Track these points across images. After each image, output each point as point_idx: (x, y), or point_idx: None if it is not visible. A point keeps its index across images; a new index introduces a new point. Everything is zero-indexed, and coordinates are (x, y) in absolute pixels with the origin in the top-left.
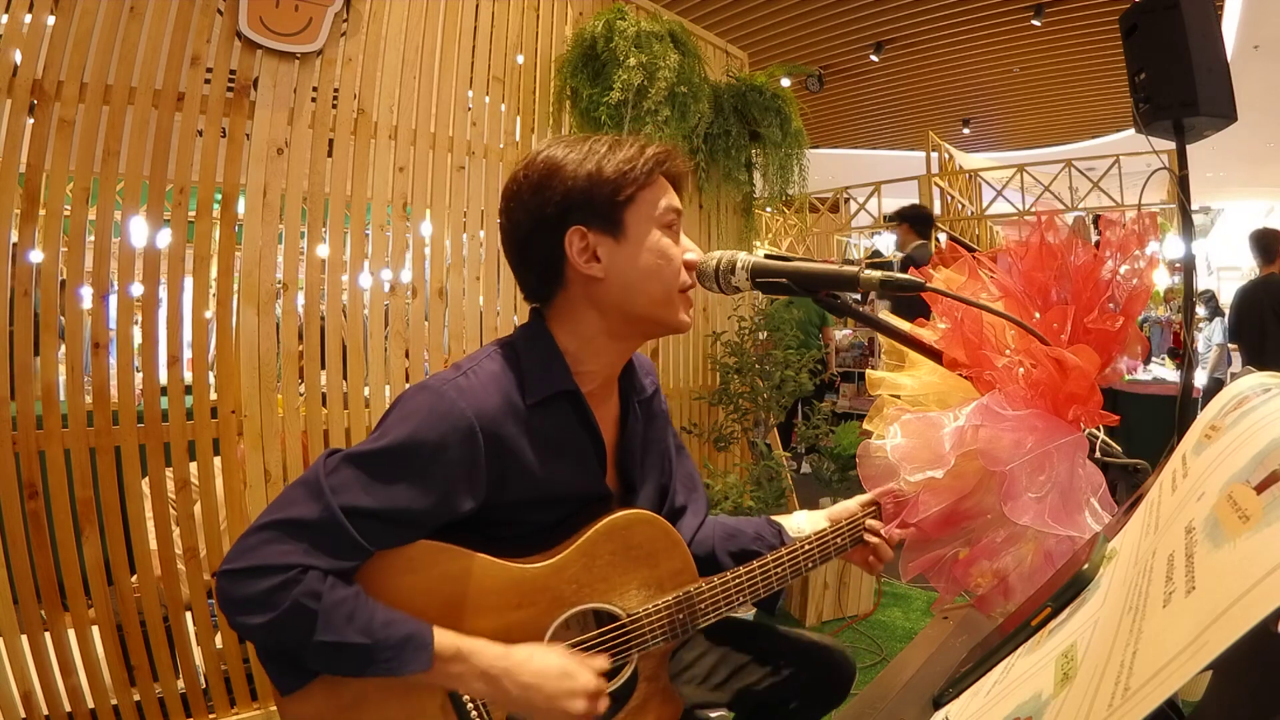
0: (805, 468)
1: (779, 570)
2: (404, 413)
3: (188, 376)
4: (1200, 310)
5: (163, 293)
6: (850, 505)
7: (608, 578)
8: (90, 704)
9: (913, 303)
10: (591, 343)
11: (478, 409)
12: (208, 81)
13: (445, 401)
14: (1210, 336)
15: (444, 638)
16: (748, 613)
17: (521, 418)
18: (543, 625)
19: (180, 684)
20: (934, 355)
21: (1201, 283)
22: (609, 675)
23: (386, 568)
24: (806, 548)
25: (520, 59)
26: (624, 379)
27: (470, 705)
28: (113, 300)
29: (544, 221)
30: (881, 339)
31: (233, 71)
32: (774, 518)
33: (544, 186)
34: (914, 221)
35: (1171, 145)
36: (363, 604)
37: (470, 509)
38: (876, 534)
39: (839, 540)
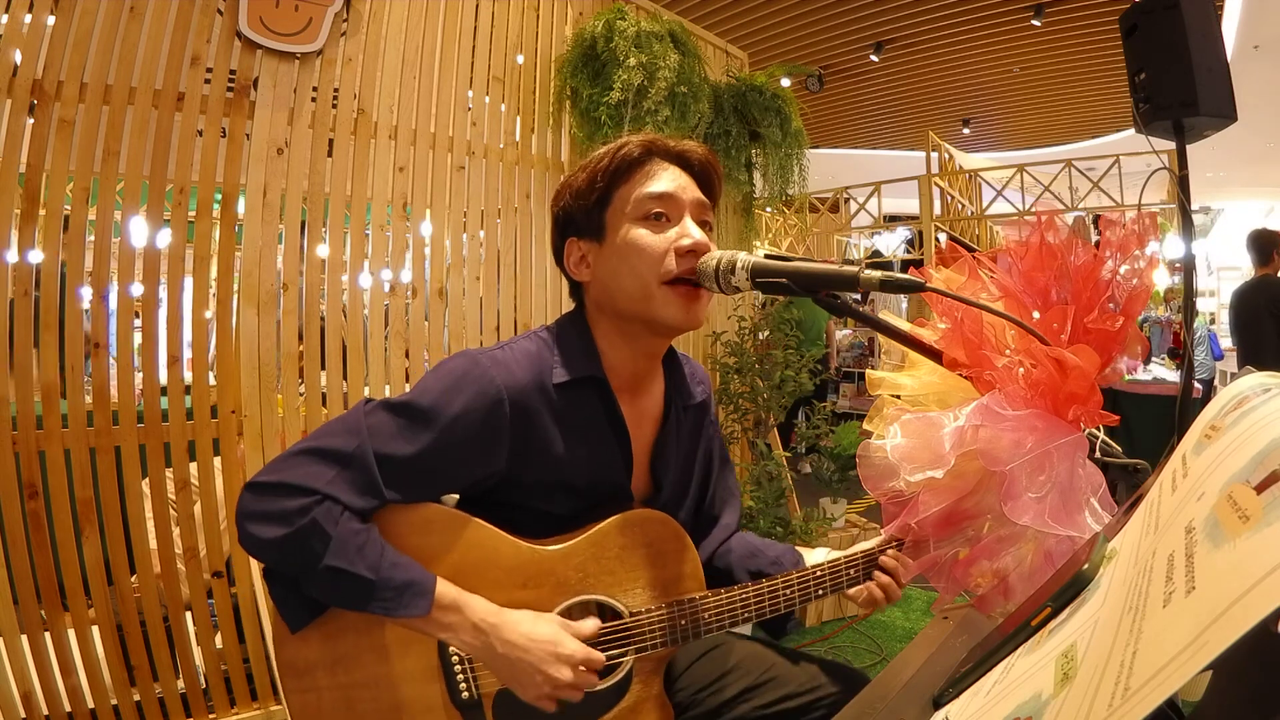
0: (805, 469)
1: (788, 592)
2: (440, 374)
3: (188, 376)
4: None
5: (163, 293)
6: (869, 545)
7: (614, 571)
8: (90, 704)
9: None
10: (609, 340)
11: (508, 381)
12: (208, 81)
13: (479, 368)
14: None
15: (445, 588)
16: (744, 629)
17: (549, 397)
18: (544, 609)
19: (180, 684)
20: (934, 355)
21: (1201, 283)
22: (603, 672)
23: (403, 524)
24: (819, 574)
25: (520, 59)
26: (670, 383)
27: (459, 670)
28: (113, 300)
29: (555, 239)
30: (881, 339)
31: (233, 71)
32: (797, 549)
33: (552, 208)
34: None
35: (1171, 145)
36: (374, 540)
37: (488, 475)
38: (888, 571)
39: (851, 571)
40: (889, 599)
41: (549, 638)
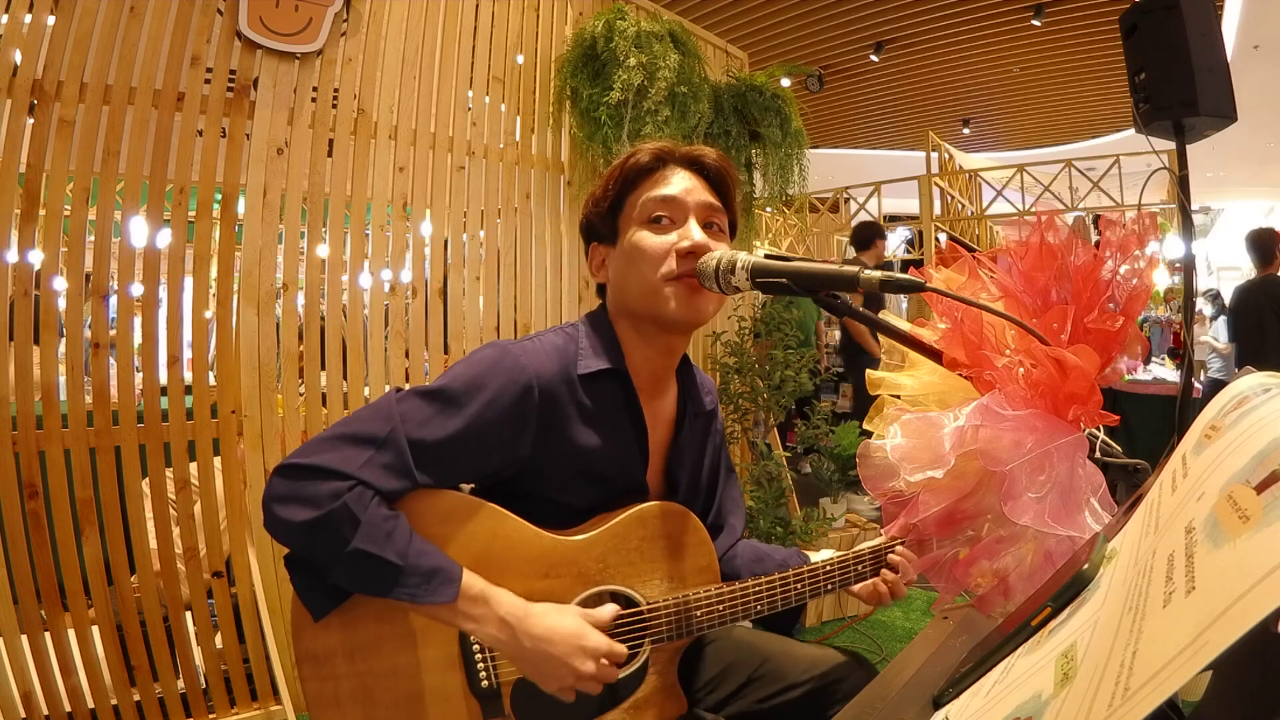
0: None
1: (798, 586)
2: (471, 362)
3: (188, 376)
4: (1207, 309)
5: (163, 293)
6: (875, 544)
7: (634, 563)
8: (90, 704)
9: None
10: (628, 338)
11: (538, 370)
12: (208, 81)
13: (510, 357)
14: (1216, 336)
15: (471, 579)
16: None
17: (574, 388)
18: (565, 599)
19: (180, 684)
20: (934, 355)
21: (1202, 282)
22: (621, 663)
23: (427, 513)
24: (828, 569)
25: (520, 59)
26: (683, 389)
27: (479, 659)
28: (113, 300)
29: (585, 244)
30: (882, 339)
31: (233, 71)
32: (804, 552)
33: (580, 220)
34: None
35: (1171, 145)
36: (403, 526)
37: (513, 462)
38: (895, 568)
39: (859, 567)
40: (894, 595)
41: (573, 631)
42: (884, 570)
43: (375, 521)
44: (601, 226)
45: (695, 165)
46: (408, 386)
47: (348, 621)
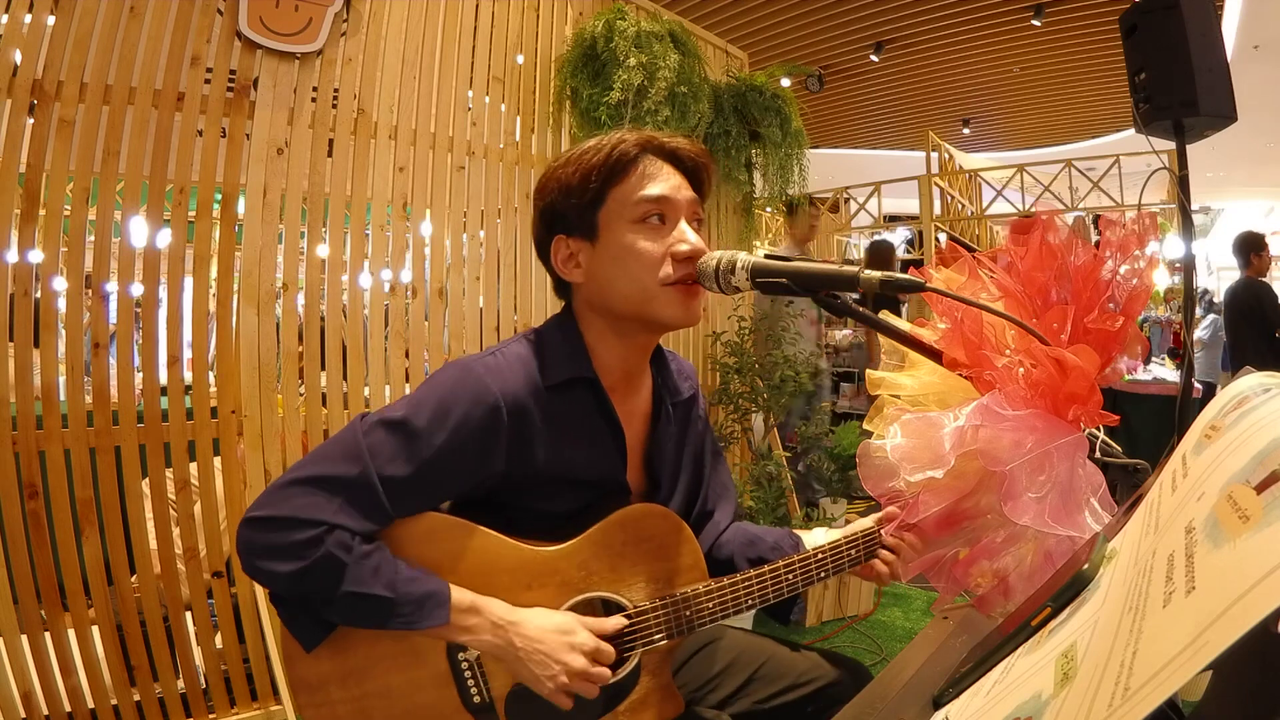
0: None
1: (790, 577)
2: (434, 385)
3: (188, 376)
4: (1196, 309)
5: (163, 293)
6: (865, 522)
7: (617, 568)
8: (90, 704)
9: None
10: (601, 339)
11: (503, 386)
12: (208, 81)
13: (472, 376)
14: (1203, 336)
15: (460, 594)
16: (746, 620)
17: (542, 399)
18: (551, 609)
19: (180, 684)
20: (934, 355)
21: (1201, 282)
22: (613, 666)
23: (406, 537)
24: (820, 556)
25: (520, 59)
26: (658, 380)
27: (468, 674)
28: (113, 300)
29: (540, 234)
30: (881, 339)
31: (233, 71)
32: (795, 531)
33: (537, 202)
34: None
35: (1171, 145)
36: (387, 560)
37: (489, 478)
38: (890, 549)
39: (853, 552)
40: (893, 575)
41: (563, 628)
42: (881, 552)
43: (359, 561)
44: (577, 219)
45: (675, 159)
46: (373, 393)
47: (338, 649)
